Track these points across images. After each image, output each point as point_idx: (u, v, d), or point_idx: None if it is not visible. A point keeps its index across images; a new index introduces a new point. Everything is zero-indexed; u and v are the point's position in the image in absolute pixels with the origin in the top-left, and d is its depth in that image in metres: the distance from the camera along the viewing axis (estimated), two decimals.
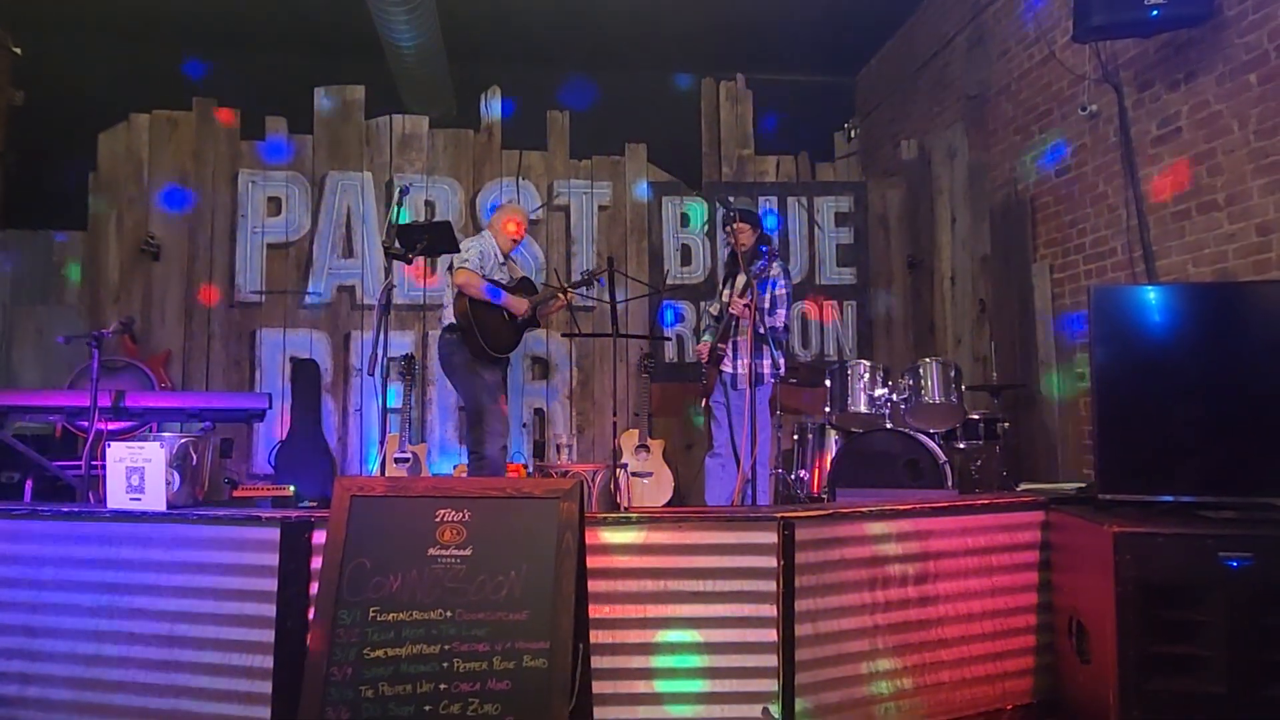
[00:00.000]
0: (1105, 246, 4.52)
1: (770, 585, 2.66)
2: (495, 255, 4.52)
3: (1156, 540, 2.56)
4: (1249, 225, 3.62)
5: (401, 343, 5.84)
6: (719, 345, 4.51)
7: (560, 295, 4.71)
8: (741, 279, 4.50)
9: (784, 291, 4.59)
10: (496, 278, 4.49)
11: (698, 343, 4.91)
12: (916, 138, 6.45)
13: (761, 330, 4.37)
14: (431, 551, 2.27)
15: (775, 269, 4.56)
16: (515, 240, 4.69)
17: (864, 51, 7.42)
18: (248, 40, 6.60)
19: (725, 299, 4.70)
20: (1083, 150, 4.70)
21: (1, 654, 2.69)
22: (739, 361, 4.41)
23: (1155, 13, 3.65)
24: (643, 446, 5.69)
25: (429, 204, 6.09)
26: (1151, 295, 3.06)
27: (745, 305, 4.25)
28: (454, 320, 4.39)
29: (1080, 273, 4.73)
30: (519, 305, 4.51)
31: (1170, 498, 2.87)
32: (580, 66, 6.89)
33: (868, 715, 2.78)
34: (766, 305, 4.49)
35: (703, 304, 5.82)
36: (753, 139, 6.58)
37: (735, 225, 4.54)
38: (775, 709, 2.60)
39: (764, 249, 4.48)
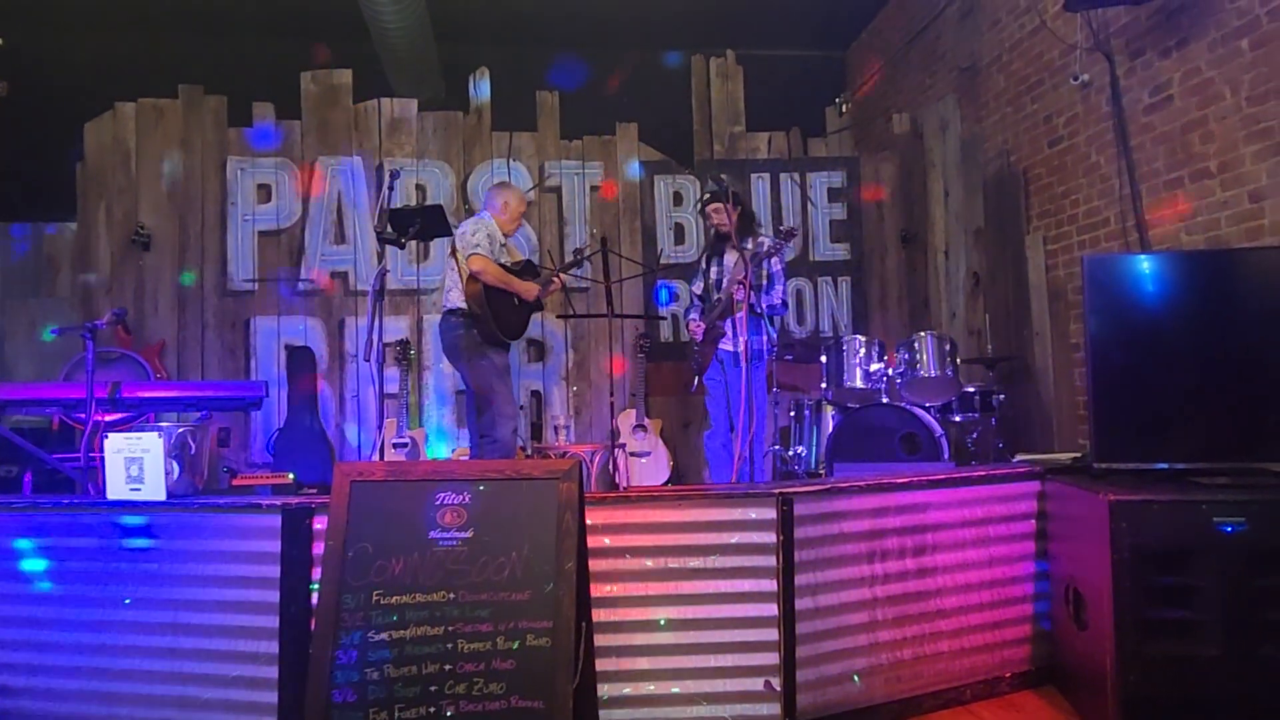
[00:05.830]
0: (1098, 216, 4.52)
1: (770, 560, 2.68)
2: (498, 238, 4.43)
3: (1152, 507, 2.57)
4: (1241, 192, 3.63)
5: (396, 328, 5.83)
6: (718, 323, 4.50)
7: (556, 279, 4.68)
8: (730, 256, 4.48)
9: (780, 268, 4.58)
10: (501, 261, 4.39)
11: (685, 321, 4.89)
12: (908, 111, 6.42)
13: (761, 309, 4.37)
14: (433, 534, 2.28)
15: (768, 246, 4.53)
16: (516, 224, 4.61)
17: (854, 25, 7.37)
18: (232, 26, 6.53)
19: (713, 277, 4.69)
20: (1075, 120, 4.69)
21: (8, 645, 2.71)
22: (737, 340, 4.41)
23: None
24: (640, 426, 5.71)
25: (420, 188, 6.05)
26: (1145, 264, 3.06)
27: (739, 284, 4.24)
28: (462, 305, 4.27)
29: (1074, 243, 4.73)
30: (530, 290, 4.44)
31: (1165, 465, 2.89)
32: (569, 46, 6.84)
33: (868, 686, 2.81)
34: (764, 283, 4.49)
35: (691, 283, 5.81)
36: (744, 115, 6.55)
37: (725, 204, 4.45)
38: (777, 682, 2.63)
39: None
